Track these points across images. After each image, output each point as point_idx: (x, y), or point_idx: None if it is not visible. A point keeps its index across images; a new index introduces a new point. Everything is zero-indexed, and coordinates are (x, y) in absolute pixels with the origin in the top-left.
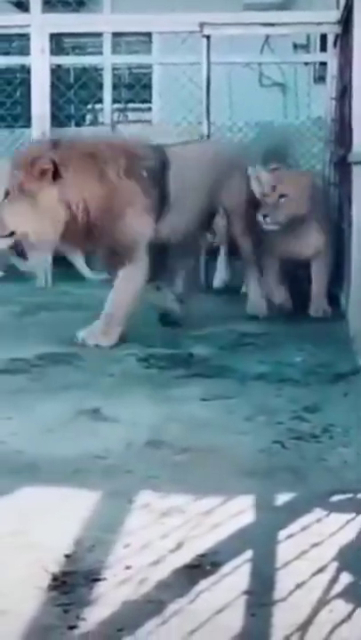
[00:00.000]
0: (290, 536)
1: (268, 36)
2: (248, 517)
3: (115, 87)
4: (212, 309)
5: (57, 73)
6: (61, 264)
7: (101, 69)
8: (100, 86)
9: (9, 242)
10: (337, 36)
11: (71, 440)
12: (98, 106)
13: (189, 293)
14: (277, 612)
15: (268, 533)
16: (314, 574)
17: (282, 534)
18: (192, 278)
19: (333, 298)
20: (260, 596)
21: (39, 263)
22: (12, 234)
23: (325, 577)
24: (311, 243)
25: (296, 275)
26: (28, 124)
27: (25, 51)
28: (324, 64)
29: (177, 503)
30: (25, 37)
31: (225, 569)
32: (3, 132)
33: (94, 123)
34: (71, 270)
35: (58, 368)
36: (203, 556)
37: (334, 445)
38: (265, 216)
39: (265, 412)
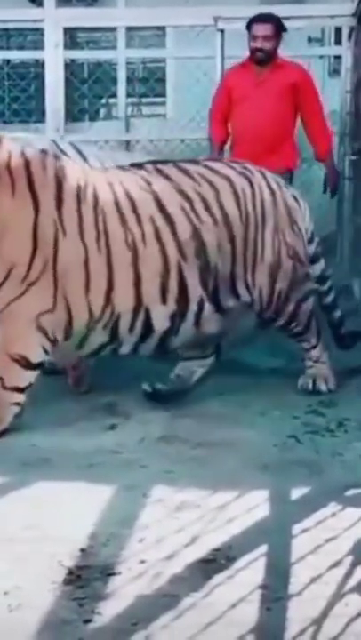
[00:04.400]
0: (305, 530)
1: None
2: (263, 512)
3: (129, 81)
4: None
5: (71, 67)
6: None
7: (115, 64)
8: (114, 80)
9: None
10: (352, 29)
11: (85, 434)
12: (112, 100)
13: None
14: (293, 605)
15: (283, 527)
16: (329, 568)
17: (297, 528)
18: None
19: None
20: (276, 590)
21: None
22: None
23: (340, 571)
24: None
25: None
26: (42, 118)
27: (39, 45)
28: (338, 57)
29: (191, 497)
30: (39, 32)
31: (240, 563)
32: (17, 127)
33: (108, 117)
34: None
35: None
36: (217, 550)
37: (350, 440)
38: None
39: (280, 406)
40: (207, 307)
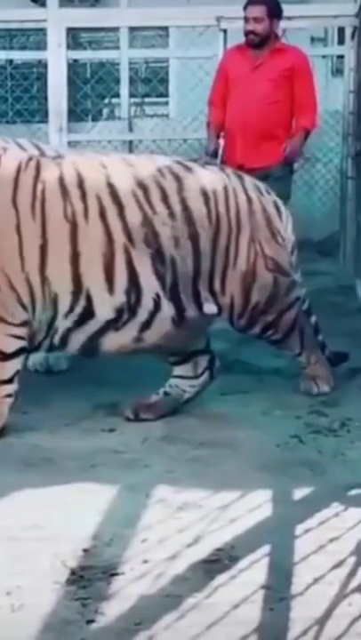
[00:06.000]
0: (308, 530)
1: (284, 30)
2: (265, 512)
3: (131, 81)
4: None
5: (74, 67)
6: None
7: (118, 64)
8: (117, 81)
9: None
10: (355, 29)
11: (88, 434)
12: (114, 100)
13: None
14: (296, 606)
15: (286, 528)
16: (332, 568)
17: (300, 528)
18: None
19: None
20: (279, 591)
21: None
22: None
23: (344, 571)
24: None
25: None
26: (44, 118)
27: (42, 45)
28: (341, 57)
29: (194, 498)
30: (42, 32)
31: (243, 563)
32: (19, 127)
33: (111, 117)
34: None
35: (74, 363)
36: (220, 550)
37: (352, 439)
38: None
39: (282, 406)
40: (165, 307)
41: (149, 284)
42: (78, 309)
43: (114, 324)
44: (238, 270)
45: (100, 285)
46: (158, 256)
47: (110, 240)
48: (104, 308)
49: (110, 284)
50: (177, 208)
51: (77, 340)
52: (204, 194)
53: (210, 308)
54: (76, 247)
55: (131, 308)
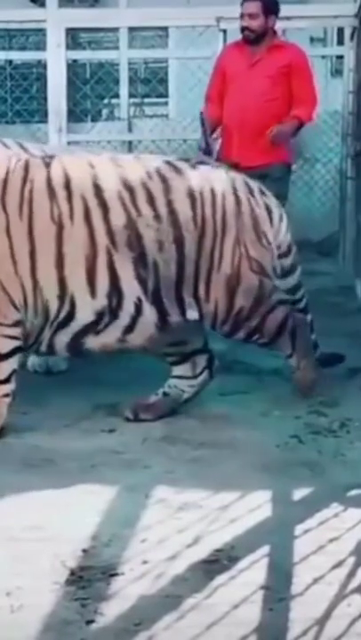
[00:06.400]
0: (307, 530)
1: (284, 30)
2: (265, 512)
3: (131, 82)
4: None
5: (73, 68)
6: None
7: (117, 64)
8: (117, 81)
9: None
10: (354, 29)
11: (88, 435)
12: (114, 101)
13: None
14: (295, 606)
15: (286, 528)
16: (332, 569)
17: (299, 529)
18: None
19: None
20: (278, 591)
21: None
22: None
23: (343, 571)
24: None
25: None
26: (44, 119)
27: (41, 46)
28: (340, 57)
29: (193, 498)
30: (41, 32)
31: (242, 563)
32: (19, 128)
33: (110, 118)
34: None
35: (73, 363)
36: (220, 550)
37: (352, 440)
38: None
39: (281, 406)
40: (147, 311)
41: (131, 288)
42: (63, 313)
43: (94, 326)
44: (223, 274)
45: (83, 288)
46: (141, 260)
47: (93, 242)
48: (85, 311)
49: (92, 287)
50: (162, 210)
51: (60, 342)
52: (191, 195)
53: (191, 314)
54: (61, 249)
55: (112, 311)
